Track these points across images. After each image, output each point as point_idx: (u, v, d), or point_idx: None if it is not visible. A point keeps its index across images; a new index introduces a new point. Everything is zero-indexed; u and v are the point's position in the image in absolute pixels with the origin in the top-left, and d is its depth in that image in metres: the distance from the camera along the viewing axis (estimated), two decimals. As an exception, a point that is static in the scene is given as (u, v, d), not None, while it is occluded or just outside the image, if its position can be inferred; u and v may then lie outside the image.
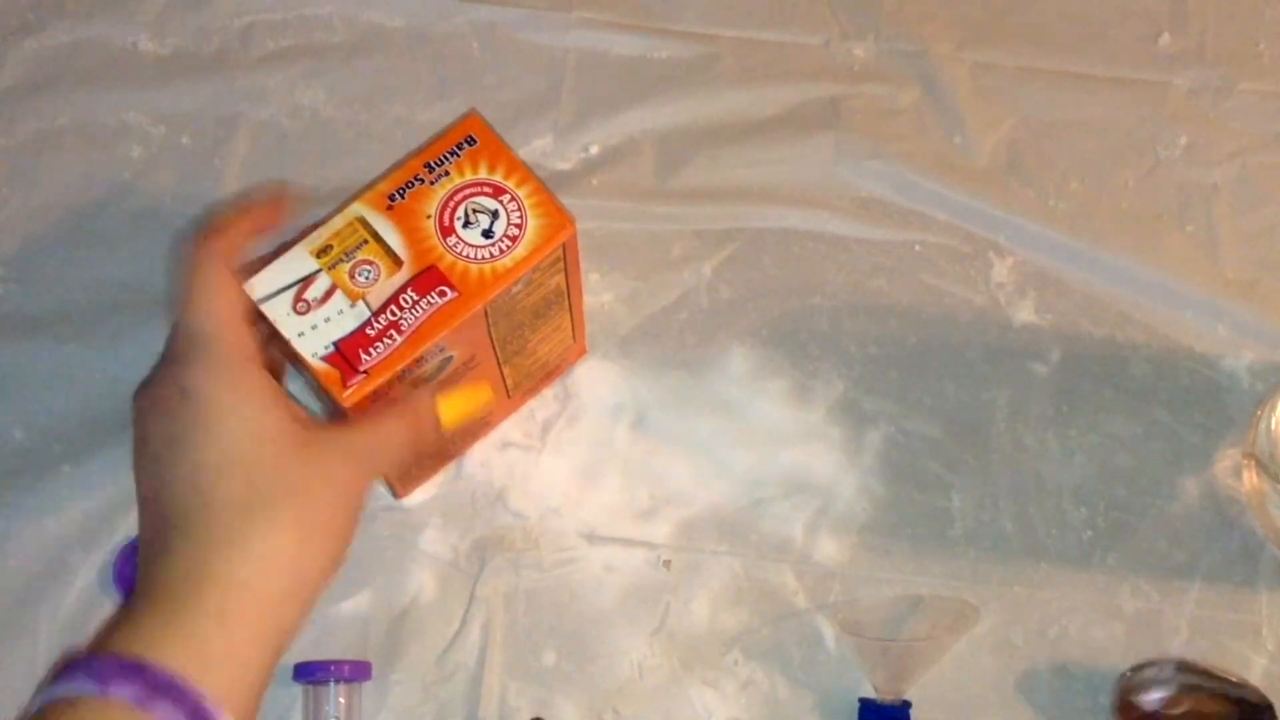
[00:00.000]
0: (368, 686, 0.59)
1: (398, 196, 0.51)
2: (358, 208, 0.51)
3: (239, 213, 0.52)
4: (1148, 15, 0.71)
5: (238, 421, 0.47)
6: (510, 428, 0.63)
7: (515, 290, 0.52)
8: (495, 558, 0.61)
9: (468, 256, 0.51)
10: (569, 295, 0.56)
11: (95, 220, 0.66)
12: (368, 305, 0.50)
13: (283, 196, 0.54)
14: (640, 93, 0.69)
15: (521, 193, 0.52)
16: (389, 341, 0.50)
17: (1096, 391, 0.64)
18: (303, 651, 0.59)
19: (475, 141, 0.52)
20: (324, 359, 0.50)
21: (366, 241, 0.51)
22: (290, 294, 0.50)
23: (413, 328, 0.50)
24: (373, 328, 0.50)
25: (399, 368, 0.50)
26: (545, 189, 0.52)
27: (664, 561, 0.62)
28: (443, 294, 0.50)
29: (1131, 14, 0.71)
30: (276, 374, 0.52)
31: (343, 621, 0.60)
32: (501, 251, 0.51)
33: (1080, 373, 0.65)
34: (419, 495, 0.62)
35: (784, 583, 0.61)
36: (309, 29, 0.70)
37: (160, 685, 0.42)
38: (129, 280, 0.64)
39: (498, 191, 0.51)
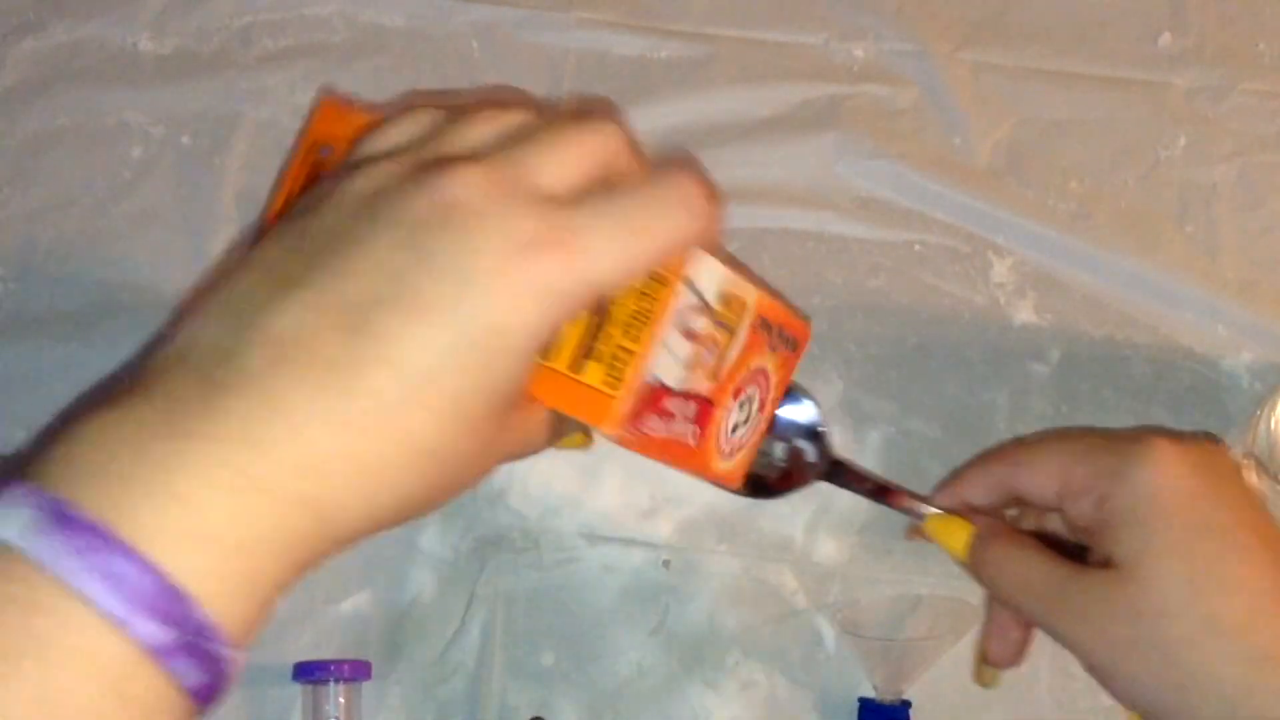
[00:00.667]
0: (367, 686, 0.59)
1: (771, 333, 0.45)
2: (750, 298, 0.43)
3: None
4: (1148, 15, 0.71)
5: (494, 360, 0.35)
6: (510, 428, 0.63)
7: None
8: (495, 557, 0.61)
9: (728, 433, 0.45)
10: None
11: (95, 220, 0.66)
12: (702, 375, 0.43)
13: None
14: (640, 93, 0.69)
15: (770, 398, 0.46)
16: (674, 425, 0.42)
17: (1096, 391, 0.64)
18: (302, 651, 0.59)
19: (795, 348, 0.47)
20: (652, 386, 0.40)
21: (733, 333, 0.43)
22: (704, 301, 0.41)
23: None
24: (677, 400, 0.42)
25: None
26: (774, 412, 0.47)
27: (664, 561, 0.62)
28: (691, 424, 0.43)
29: (1131, 14, 0.71)
30: None
31: (342, 621, 0.60)
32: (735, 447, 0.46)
33: (1080, 373, 0.65)
34: (419, 495, 0.62)
35: (784, 582, 0.61)
36: (309, 29, 0.70)
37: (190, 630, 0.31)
38: (129, 280, 0.64)
39: (764, 386, 0.46)
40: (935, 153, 0.68)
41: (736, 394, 0.45)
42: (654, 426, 0.41)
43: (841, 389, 0.64)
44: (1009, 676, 0.60)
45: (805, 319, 0.48)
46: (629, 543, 0.62)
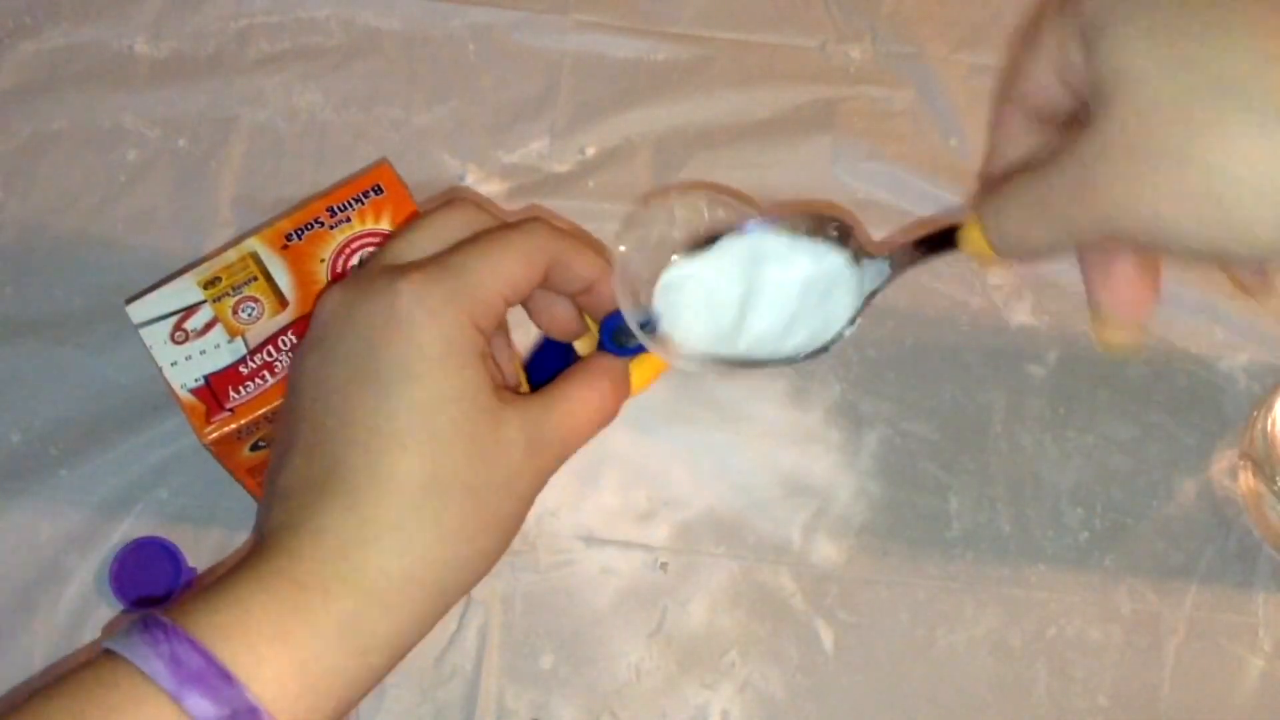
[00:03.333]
0: (365, 689, 0.59)
1: (295, 237, 0.51)
2: (253, 243, 0.51)
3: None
4: (1143, 17, 0.71)
5: (440, 375, 0.39)
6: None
7: None
8: (492, 560, 0.61)
9: None
10: None
11: (92, 223, 0.66)
12: (245, 343, 0.49)
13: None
14: (637, 95, 0.69)
15: None
16: (260, 382, 0.49)
17: (1093, 393, 0.64)
18: (300, 654, 0.59)
19: (381, 191, 0.52)
20: (192, 391, 0.49)
21: (255, 278, 0.50)
22: (170, 322, 0.50)
23: (286, 371, 0.49)
24: (246, 366, 0.49)
25: (265, 410, 0.49)
26: None
27: (661, 564, 0.62)
28: None
29: (1127, 16, 0.71)
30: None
31: (340, 624, 0.60)
32: None
33: (1077, 374, 0.65)
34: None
35: (781, 584, 0.61)
36: (305, 32, 0.70)
37: (238, 709, 0.35)
38: (126, 283, 0.64)
39: None
40: (931, 154, 0.68)
41: None
42: None
43: (839, 391, 0.64)
44: (1007, 678, 0.60)
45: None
46: (627, 545, 0.62)
